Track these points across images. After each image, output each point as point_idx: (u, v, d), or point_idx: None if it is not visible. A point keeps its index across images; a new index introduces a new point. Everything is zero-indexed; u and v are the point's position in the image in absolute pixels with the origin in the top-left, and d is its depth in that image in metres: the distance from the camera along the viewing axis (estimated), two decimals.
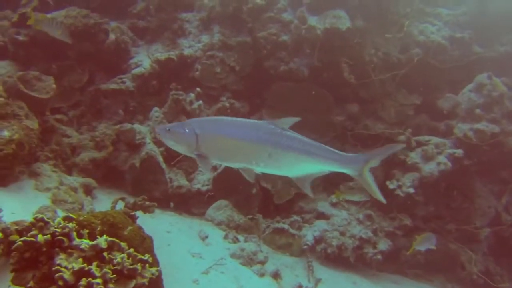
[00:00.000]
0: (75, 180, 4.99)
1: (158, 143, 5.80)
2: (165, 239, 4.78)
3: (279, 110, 6.44)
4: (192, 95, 6.14)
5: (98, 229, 2.94)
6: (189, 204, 5.92)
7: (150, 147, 5.69)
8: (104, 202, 5.11)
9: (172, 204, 5.80)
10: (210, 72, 6.54)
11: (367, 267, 5.91)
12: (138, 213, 4.16)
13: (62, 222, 2.78)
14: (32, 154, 4.72)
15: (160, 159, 5.73)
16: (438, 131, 6.61)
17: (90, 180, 5.13)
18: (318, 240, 5.74)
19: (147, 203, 4.71)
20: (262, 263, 5.08)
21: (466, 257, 6.14)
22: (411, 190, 5.95)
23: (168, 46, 6.73)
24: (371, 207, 6.17)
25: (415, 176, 6.05)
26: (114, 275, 2.59)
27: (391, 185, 6.08)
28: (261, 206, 6.06)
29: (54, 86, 5.11)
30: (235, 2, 6.52)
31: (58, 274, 2.48)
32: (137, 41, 6.82)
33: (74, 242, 2.69)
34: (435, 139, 6.27)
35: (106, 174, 5.64)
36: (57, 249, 2.66)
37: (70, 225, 2.76)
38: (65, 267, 2.53)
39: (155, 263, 3.14)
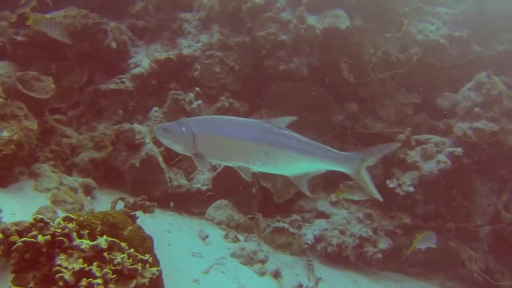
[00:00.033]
0: (75, 180, 4.99)
1: (157, 143, 5.79)
2: (165, 239, 4.77)
3: (279, 110, 6.44)
4: (191, 94, 6.14)
5: (98, 229, 2.93)
6: (189, 203, 5.92)
7: (150, 147, 5.68)
8: (104, 202, 5.11)
9: (172, 204, 5.79)
10: (209, 72, 6.54)
11: (367, 266, 5.92)
12: (138, 213, 4.16)
13: (62, 222, 2.78)
14: (32, 155, 4.71)
15: (160, 159, 5.73)
16: (438, 130, 6.62)
17: (89, 180, 5.12)
18: (318, 239, 5.74)
19: (147, 203, 4.71)
20: (263, 262, 5.09)
21: (466, 255, 6.15)
22: (411, 189, 5.96)
23: (167, 46, 6.72)
24: (371, 206, 6.18)
25: (415, 174, 6.06)
26: (115, 275, 2.59)
27: (391, 184, 6.09)
28: (261, 206, 6.06)
29: (53, 86, 5.10)
30: (234, 1, 6.52)
31: (59, 274, 2.48)
32: (136, 41, 6.81)
33: (75, 243, 2.69)
34: (435, 138, 6.28)
35: (106, 174, 5.63)
36: (57, 249, 2.66)
37: (70, 225, 2.75)
38: (66, 268, 2.53)
39: (155, 263, 3.14)
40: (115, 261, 2.66)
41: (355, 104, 6.70)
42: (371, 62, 6.54)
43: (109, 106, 6.24)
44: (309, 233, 5.77)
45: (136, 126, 5.86)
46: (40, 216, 2.79)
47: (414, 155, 6.16)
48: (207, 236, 5.18)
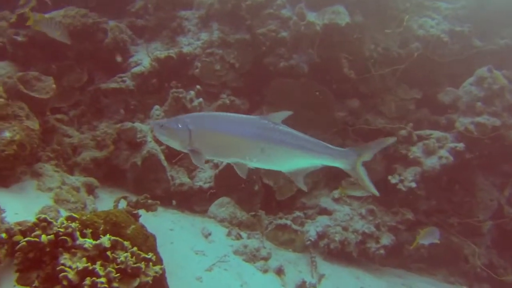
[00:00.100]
0: (77, 179, 4.99)
1: (159, 141, 5.78)
2: (168, 237, 4.78)
3: (279, 107, 6.38)
4: (192, 92, 6.13)
5: (101, 228, 2.94)
6: (191, 201, 5.92)
7: (152, 146, 5.68)
8: (106, 201, 5.11)
9: (174, 202, 5.80)
10: (210, 70, 6.53)
11: (370, 262, 5.92)
12: (141, 212, 4.17)
13: (65, 222, 2.78)
14: (34, 155, 4.71)
15: (162, 157, 5.73)
16: (439, 125, 6.60)
17: (92, 180, 5.13)
18: (321, 236, 5.74)
19: (150, 201, 4.71)
20: (265, 259, 5.09)
21: (469, 250, 6.15)
22: (413, 185, 5.96)
23: (167, 44, 6.72)
24: (373, 202, 6.18)
25: (416, 170, 6.05)
26: (118, 274, 2.59)
27: (393, 179, 6.08)
28: (264, 203, 6.06)
29: (54, 86, 5.10)
30: None
31: (63, 273, 2.48)
32: (136, 39, 6.81)
33: (78, 242, 2.69)
34: (437, 133, 6.27)
35: (108, 173, 5.64)
36: (60, 249, 2.66)
37: (73, 224, 2.76)
38: (69, 267, 2.53)
39: (158, 261, 3.14)
40: (119, 260, 2.66)
41: (356, 100, 6.68)
42: (372, 58, 6.52)
43: (110, 105, 6.24)
44: (311, 229, 5.77)
45: (137, 124, 5.85)
46: (43, 216, 2.79)
47: (416, 151, 6.15)
48: (209, 234, 5.19)
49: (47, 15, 5.57)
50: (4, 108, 4.43)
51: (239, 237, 5.35)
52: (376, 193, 3.46)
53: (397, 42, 6.76)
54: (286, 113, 3.34)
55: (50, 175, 4.67)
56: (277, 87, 6.61)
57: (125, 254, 2.71)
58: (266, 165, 3.44)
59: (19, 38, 5.86)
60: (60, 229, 2.70)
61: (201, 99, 6.13)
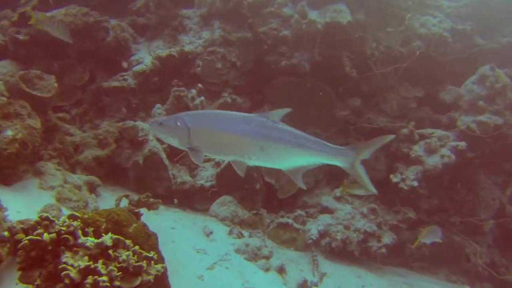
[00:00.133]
0: (79, 178, 5.00)
1: (161, 140, 5.80)
2: (169, 235, 4.79)
3: (281, 105, 6.33)
4: (193, 91, 6.13)
5: (103, 227, 2.94)
6: (192, 200, 5.92)
7: (153, 144, 5.69)
8: (108, 199, 5.12)
9: (176, 201, 5.80)
10: (211, 68, 6.53)
11: (372, 261, 5.92)
12: (142, 210, 4.17)
13: (67, 220, 2.79)
14: (36, 153, 4.73)
15: (163, 155, 5.73)
16: (441, 123, 6.59)
17: (93, 178, 5.13)
18: (322, 234, 5.74)
19: (151, 200, 4.72)
20: (267, 258, 5.09)
21: (471, 249, 6.14)
22: (415, 183, 5.95)
23: (169, 42, 6.72)
24: (375, 201, 6.18)
25: (418, 169, 6.04)
26: (120, 273, 2.60)
27: (394, 178, 6.08)
28: (265, 201, 6.06)
29: (55, 84, 5.10)
30: None
31: (65, 272, 2.49)
32: (138, 38, 6.81)
33: (80, 240, 2.69)
34: (438, 132, 6.26)
35: (110, 172, 5.65)
36: (62, 247, 2.67)
37: (75, 223, 2.76)
38: (71, 265, 2.54)
39: (160, 260, 3.14)
40: (120, 259, 2.66)
41: (358, 99, 6.67)
42: (374, 57, 6.51)
43: (112, 104, 6.25)
44: (313, 228, 5.77)
45: (139, 123, 5.85)
46: (45, 214, 2.80)
47: (417, 150, 6.14)
48: (211, 233, 5.19)
49: (48, 14, 5.58)
50: (6, 107, 4.44)
51: (240, 235, 5.36)
52: (375, 191, 3.47)
53: (399, 40, 6.73)
54: (284, 111, 3.35)
55: (52, 174, 4.68)
56: (278, 86, 6.60)
57: (127, 253, 2.71)
58: (265, 163, 3.45)
59: (21, 37, 5.86)
60: (62, 228, 2.71)
61: (202, 98, 6.13)
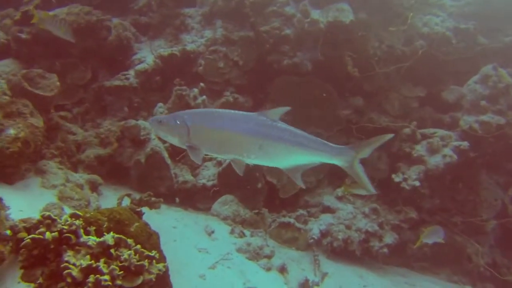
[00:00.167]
0: (81, 177, 5.00)
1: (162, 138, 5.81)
2: (171, 234, 4.79)
3: (283, 105, 6.37)
4: (195, 90, 6.14)
5: (105, 226, 2.94)
6: (194, 199, 5.93)
7: (155, 143, 5.69)
8: (110, 198, 5.13)
9: (177, 200, 5.81)
10: (214, 67, 6.53)
11: (373, 261, 5.91)
12: (144, 209, 4.17)
13: (69, 219, 2.79)
14: (38, 152, 4.73)
15: (165, 154, 5.74)
16: (443, 123, 6.58)
17: (95, 177, 5.14)
18: (324, 234, 5.74)
19: (153, 199, 4.72)
20: (269, 257, 5.09)
21: (472, 249, 6.13)
22: (417, 183, 5.94)
23: (171, 41, 6.72)
24: (377, 201, 6.17)
25: (420, 168, 6.03)
26: (122, 272, 2.60)
27: (396, 178, 6.07)
28: (267, 201, 6.06)
29: (58, 83, 5.11)
30: None
31: (67, 271, 2.49)
32: (140, 37, 6.81)
33: (82, 239, 2.70)
34: (441, 132, 6.25)
35: (111, 171, 5.65)
36: (64, 246, 2.67)
37: (77, 222, 2.76)
38: (73, 264, 2.54)
39: (162, 259, 3.15)
40: (122, 258, 2.66)
41: (360, 98, 6.66)
42: (376, 56, 6.50)
43: (114, 103, 6.26)
44: (315, 228, 5.77)
45: (141, 122, 5.86)
46: (47, 213, 2.80)
47: (419, 149, 6.14)
48: (213, 232, 5.19)
49: (51, 13, 5.58)
50: (9, 106, 4.44)
51: (242, 235, 5.36)
52: (373, 191, 3.48)
53: (401, 39, 6.72)
54: (284, 109, 3.35)
55: (54, 173, 4.68)
56: (280, 85, 6.60)
57: (129, 252, 2.71)
58: (264, 161, 3.45)
59: (23, 36, 5.88)
60: (64, 227, 2.71)
61: (204, 97, 6.13)
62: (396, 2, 6.66)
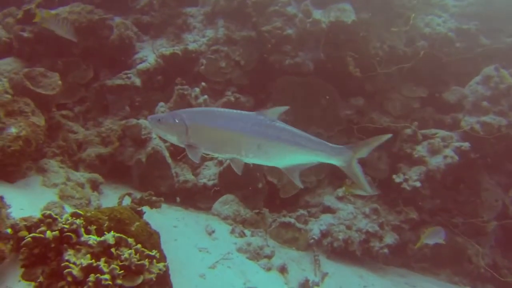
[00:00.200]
0: (82, 175, 5.02)
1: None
2: (172, 234, 4.80)
3: (284, 104, 6.38)
4: (197, 89, 6.14)
5: (106, 225, 2.95)
6: (195, 198, 5.93)
7: (156, 142, 5.70)
8: (111, 197, 5.14)
9: (178, 199, 5.81)
10: (215, 67, 6.53)
11: (374, 261, 5.91)
12: (145, 208, 4.18)
13: (70, 218, 2.79)
14: (39, 150, 4.74)
15: (166, 154, 5.75)
16: (445, 124, 6.57)
17: (96, 176, 5.15)
18: (324, 234, 5.74)
19: (154, 198, 4.72)
20: (269, 257, 5.10)
21: (473, 250, 6.13)
22: (418, 184, 5.94)
23: (173, 41, 6.72)
24: (377, 201, 6.17)
25: (421, 169, 6.03)
26: (122, 271, 2.60)
27: (397, 178, 6.07)
28: (267, 201, 6.06)
29: (60, 82, 5.11)
30: None
31: (67, 270, 2.50)
32: (142, 36, 6.81)
33: (82, 238, 2.70)
34: (442, 132, 6.24)
35: (112, 170, 5.66)
36: (65, 245, 2.68)
37: (78, 221, 2.77)
38: (74, 263, 2.54)
39: (162, 258, 3.15)
40: (123, 257, 2.67)
41: (361, 99, 6.66)
42: (378, 56, 6.49)
43: (115, 102, 6.26)
44: (315, 228, 5.77)
45: (142, 121, 5.86)
46: (48, 212, 2.81)
47: (421, 150, 6.13)
48: (213, 231, 5.20)
49: (53, 12, 5.59)
50: (11, 104, 4.45)
51: (242, 234, 5.36)
52: (370, 191, 3.49)
53: (403, 40, 6.72)
54: (282, 109, 3.36)
55: (55, 171, 4.69)
56: (282, 85, 6.60)
57: (129, 251, 2.72)
58: (262, 161, 3.46)
59: (26, 34, 5.89)
60: (65, 226, 2.71)
61: (206, 96, 6.14)
62: (398, 2, 6.65)
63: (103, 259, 2.63)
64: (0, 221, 3.01)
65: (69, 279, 2.48)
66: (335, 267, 5.51)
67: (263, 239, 5.36)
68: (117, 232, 2.84)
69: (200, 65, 6.53)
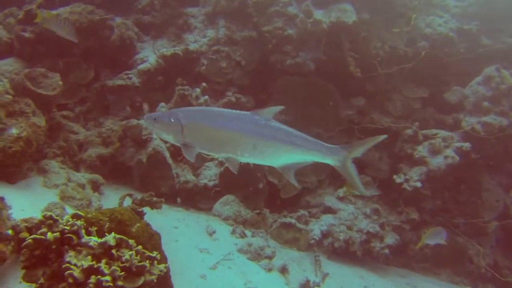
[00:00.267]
0: (83, 176, 5.02)
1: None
2: (172, 234, 4.80)
3: (285, 105, 6.35)
4: (198, 90, 6.14)
5: (106, 226, 2.95)
6: (196, 199, 5.93)
7: (157, 143, 5.70)
8: (112, 198, 5.13)
9: (179, 200, 5.81)
10: (216, 67, 6.53)
11: (374, 261, 5.91)
12: (146, 209, 4.18)
13: (70, 219, 2.79)
14: (40, 151, 4.74)
15: (167, 154, 5.75)
16: (446, 124, 6.57)
17: (97, 176, 5.15)
18: (325, 235, 5.74)
19: (154, 199, 4.73)
20: (270, 258, 5.10)
21: (474, 250, 6.13)
22: (419, 184, 5.93)
23: (174, 41, 6.72)
24: (378, 201, 6.16)
25: (422, 170, 6.03)
26: (123, 273, 2.61)
27: (398, 179, 6.06)
28: (268, 201, 6.06)
29: (60, 83, 5.11)
30: None
31: (68, 271, 2.50)
32: (142, 36, 6.81)
33: (83, 240, 2.71)
34: (443, 133, 6.24)
35: (113, 170, 5.66)
36: (66, 246, 2.68)
37: (79, 222, 2.77)
38: (75, 265, 2.55)
39: (163, 259, 3.15)
40: (123, 258, 2.67)
41: (362, 99, 6.66)
42: (378, 56, 6.49)
43: (116, 102, 6.26)
44: (316, 228, 5.77)
45: (143, 122, 5.86)
46: (49, 213, 2.81)
47: (421, 150, 6.13)
48: (214, 232, 5.20)
49: (54, 12, 5.59)
50: (11, 105, 4.45)
51: (243, 235, 5.36)
52: (364, 191, 3.51)
53: (404, 40, 6.71)
54: (277, 108, 3.37)
55: (56, 172, 4.70)
56: (283, 85, 6.60)
57: (130, 253, 2.72)
58: (258, 160, 3.47)
59: (26, 35, 5.89)
60: (65, 227, 2.72)
61: (206, 97, 6.13)
62: (399, 2, 6.65)
63: (104, 261, 2.63)
64: (1, 222, 3.01)
65: (70, 280, 2.49)
66: (335, 268, 5.51)
67: (264, 240, 5.36)
68: (118, 233, 2.84)
69: (201, 66, 6.53)
